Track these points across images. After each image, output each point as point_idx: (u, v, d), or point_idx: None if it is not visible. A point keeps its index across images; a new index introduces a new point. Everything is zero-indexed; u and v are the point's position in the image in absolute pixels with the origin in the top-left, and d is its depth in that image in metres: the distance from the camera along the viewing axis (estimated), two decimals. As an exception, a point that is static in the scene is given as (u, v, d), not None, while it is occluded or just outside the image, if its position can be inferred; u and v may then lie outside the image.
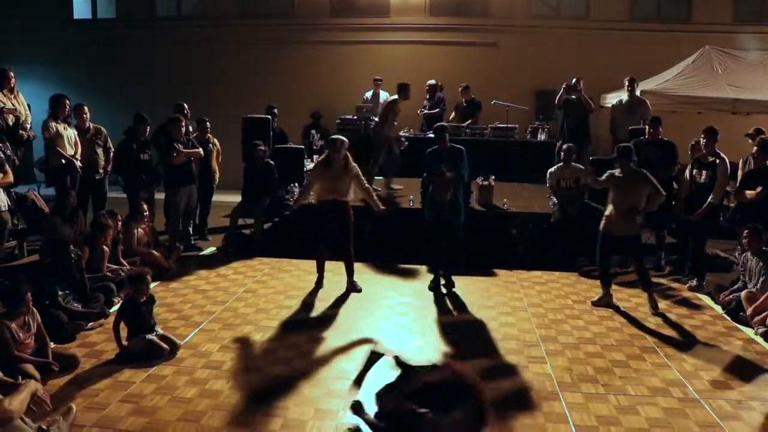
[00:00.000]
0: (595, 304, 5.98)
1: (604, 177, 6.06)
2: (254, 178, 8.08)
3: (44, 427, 3.23)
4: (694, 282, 6.52)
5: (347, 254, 6.28)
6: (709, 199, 6.36)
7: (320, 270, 6.45)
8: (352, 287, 6.27)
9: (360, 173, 6.19)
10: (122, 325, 4.63)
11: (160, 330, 4.73)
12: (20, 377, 3.45)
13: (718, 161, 6.42)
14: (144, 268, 5.11)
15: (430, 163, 6.20)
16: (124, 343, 4.56)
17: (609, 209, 5.92)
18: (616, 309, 5.85)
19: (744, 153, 7.58)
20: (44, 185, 8.68)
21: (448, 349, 4.83)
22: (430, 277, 6.49)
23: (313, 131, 11.18)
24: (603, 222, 5.95)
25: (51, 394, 3.68)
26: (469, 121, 10.46)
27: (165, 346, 4.56)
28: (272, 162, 8.26)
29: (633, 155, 5.90)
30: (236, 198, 8.36)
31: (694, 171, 6.60)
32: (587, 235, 6.41)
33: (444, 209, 6.12)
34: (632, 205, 5.73)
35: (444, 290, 6.32)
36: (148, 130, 7.81)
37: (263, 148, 8.11)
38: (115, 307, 5.27)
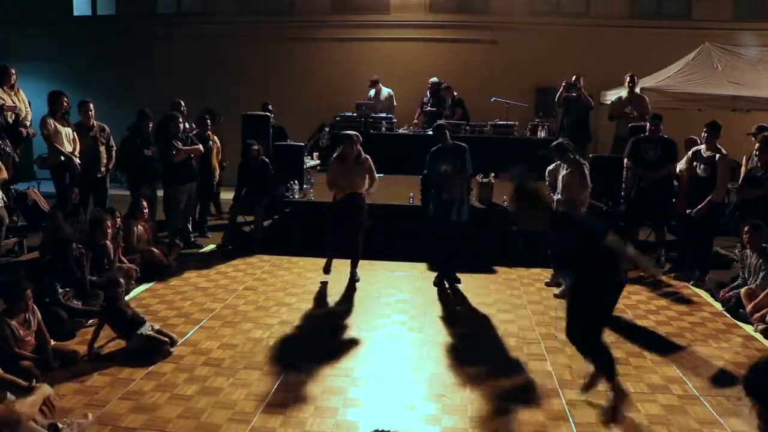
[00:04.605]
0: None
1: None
2: (251, 176, 8.06)
3: (58, 424, 3.24)
4: (697, 275, 6.51)
5: (355, 244, 6.36)
6: (710, 197, 6.34)
7: (328, 263, 6.48)
8: (354, 277, 6.41)
9: (372, 167, 6.26)
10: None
11: (156, 326, 4.73)
12: (35, 381, 3.46)
13: (718, 157, 6.39)
14: (117, 276, 5.08)
15: (433, 162, 6.18)
16: (124, 345, 4.57)
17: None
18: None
19: (743, 150, 7.56)
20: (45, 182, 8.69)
21: (448, 346, 4.83)
22: (429, 274, 6.50)
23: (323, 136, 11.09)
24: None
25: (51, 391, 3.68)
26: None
27: (165, 338, 4.58)
28: (267, 159, 8.25)
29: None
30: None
31: (693, 164, 6.57)
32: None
33: (451, 208, 6.13)
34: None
35: (447, 285, 6.32)
36: (150, 125, 7.80)
37: (257, 147, 8.09)
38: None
